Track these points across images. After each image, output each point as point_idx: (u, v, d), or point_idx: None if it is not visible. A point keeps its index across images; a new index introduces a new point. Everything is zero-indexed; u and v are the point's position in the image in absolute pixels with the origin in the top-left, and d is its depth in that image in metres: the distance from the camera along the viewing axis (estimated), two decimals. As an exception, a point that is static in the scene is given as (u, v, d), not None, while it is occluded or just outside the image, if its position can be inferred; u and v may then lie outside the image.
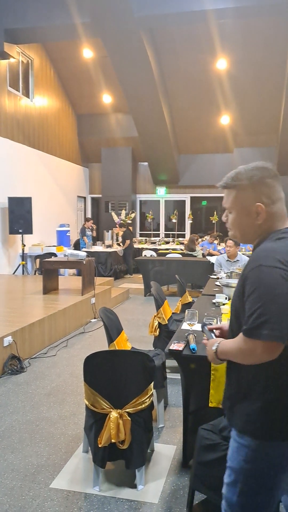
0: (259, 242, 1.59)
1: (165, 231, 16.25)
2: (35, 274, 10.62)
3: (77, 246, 12.39)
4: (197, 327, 3.07)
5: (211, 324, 1.95)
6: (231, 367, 1.60)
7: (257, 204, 1.56)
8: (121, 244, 12.38)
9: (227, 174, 1.64)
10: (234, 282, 4.39)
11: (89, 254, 9.31)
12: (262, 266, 1.41)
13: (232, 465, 1.58)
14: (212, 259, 8.83)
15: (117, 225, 13.18)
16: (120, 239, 12.58)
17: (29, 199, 10.17)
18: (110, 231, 13.54)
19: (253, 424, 1.50)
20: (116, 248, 12.07)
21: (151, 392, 2.71)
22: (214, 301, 4.36)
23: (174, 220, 15.18)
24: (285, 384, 1.46)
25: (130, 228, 12.95)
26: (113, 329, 3.40)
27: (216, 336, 1.85)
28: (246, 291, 1.45)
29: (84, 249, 11.17)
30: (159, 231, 16.25)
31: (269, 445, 1.48)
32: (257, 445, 1.49)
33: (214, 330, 1.87)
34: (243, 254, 6.80)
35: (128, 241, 12.15)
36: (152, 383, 2.72)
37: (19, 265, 10.25)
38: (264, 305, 1.37)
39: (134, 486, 2.70)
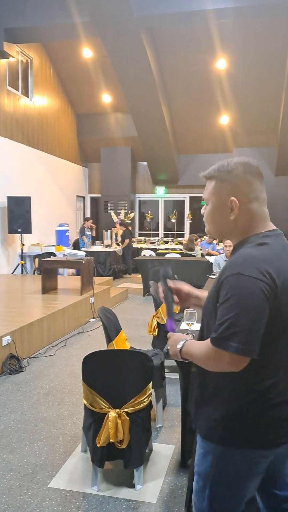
0: (239, 244, 1.52)
1: (164, 231, 16.25)
2: (34, 273, 10.62)
3: (76, 245, 12.39)
4: (197, 326, 3.07)
5: (173, 279, 1.84)
6: (197, 370, 1.56)
7: (231, 198, 1.49)
8: (120, 243, 12.38)
9: (213, 166, 1.58)
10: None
11: (88, 253, 9.31)
12: (240, 275, 1.34)
13: (199, 471, 1.56)
14: (211, 259, 8.84)
15: (117, 225, 13.18)
16: (119, 238, 12.58)
17: (28, 199, 10.16)
18: (109, 230, 13.55)
19: (216, 430, 1.47)
20: (115, 247, 12.07)
21: (149, 391, 2.71)
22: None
23: (173, 220, 15.19)
24: (250, 392, 1.43)
25: (130, 227, 12.96)
26: (112, 328, 3.40)
27: (172, 296, 1.80)
28: (221, 297, 1.39)
29: (83, 249, 11.17)
30: (158, 231, 16.26)
31: (234, 452, 1.46)
32: (221, 452, 1.47)
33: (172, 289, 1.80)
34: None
35: (127, 241, 12.15)
36: (151, 382, 2.72)
37: (18, 264, 10.25)
38: (237, 315, 1.31)
39: (132, 486, 2.70)
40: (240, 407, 1.44)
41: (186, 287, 1.83)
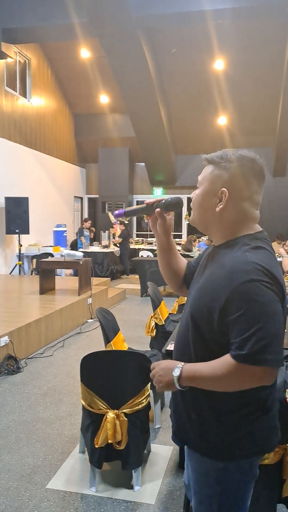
0: (226, 245, 1.42)
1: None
2: (31, 274, 10.60)
3: (74, 246, 12.38)
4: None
5: (175, 209, 1.63)
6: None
7: (222, 189, 1.39)
8: (118, 244, 12.37)
9: (218, 151, 1.47)
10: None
11: (86, 254, 9.30)
12: (253, 282, 1.25)
13: (202, 491, 1.47)
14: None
15: (115, 225, 13.17)
16: (117, 238, 12.58)
17: (26, 199, 10.15)
18: (106, 231, 13.55)
19: (219, 446, 1.40)
20: (112, 248, 12.07)
21: (148, 392, 2.71)
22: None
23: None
24: (252, 401, 1.38)
25: (127, 228, 12.97)
26: (109, 329, 3.40)
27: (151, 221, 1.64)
28: (233, 308, 1.27)
29: (80, 250, 11.16)
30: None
31: (238, 462, 1.42)
32: (226, 465, 1.42)
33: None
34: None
35: (120, 239, 12.19)
36: (149, 383, 2.72)
37: (16, 265, 10.23)
38: (263, 326, 1.23)
39: (130, 487, 2.69)
40: (243, 418, 1.38)
41: (167, 226, 1.67)
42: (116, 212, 1.66)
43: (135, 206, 1.69)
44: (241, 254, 1.33)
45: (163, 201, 1.60)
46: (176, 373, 1.38)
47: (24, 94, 11.62)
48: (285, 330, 3.15)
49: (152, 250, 12.81)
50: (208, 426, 1.42)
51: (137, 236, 15.98)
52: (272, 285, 1.27)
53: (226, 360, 1.30)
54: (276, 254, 11.19)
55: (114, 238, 12.79)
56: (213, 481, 1.44)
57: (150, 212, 1.64)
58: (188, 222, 15.42)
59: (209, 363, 1.35)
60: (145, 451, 2.97)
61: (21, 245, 10.23)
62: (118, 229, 12.60)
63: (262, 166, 1.42)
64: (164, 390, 1.46)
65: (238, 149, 1.44)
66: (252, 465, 1.45)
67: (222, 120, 13.38)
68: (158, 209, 1.60)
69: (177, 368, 1.39)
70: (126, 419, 2.57)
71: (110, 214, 14.37)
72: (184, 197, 15.65)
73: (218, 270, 1.38)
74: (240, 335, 1.26)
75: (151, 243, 13.99)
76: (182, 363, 1.40)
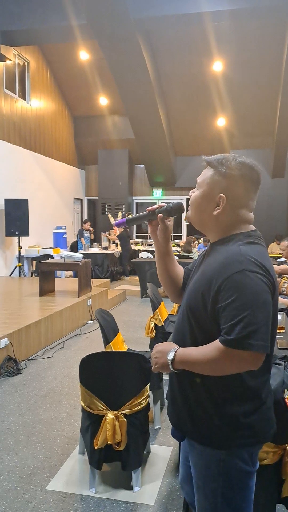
0: (221, 242, 1.49)
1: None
2: (31, 276, 10.60)
3: (74, 247, 12.38)
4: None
5: (175, 215, 1.68)
6: (185, 376, 1.51)
7: (221, 194, 1.45)
8: (117, 243, 12.38)
9: (219, 154, 1.52)
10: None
11: (86, 256, 9.31)
12: (246, 271, 1.32)
13: (206, 485, 1.49)
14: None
15: (114, 227, 13.16)
16: (116, 240, 12.58)
17: (25, 201, 10.15)
18: (106, 232, 13.55)
19: (219, 434, 1.44)
20: (112, 249, 12.07)
21: (147, 393, 2.71)
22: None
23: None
24: (246, 390, 1.43)
25: (127, 229, 12.97)
26: (109, 330, 3.40)
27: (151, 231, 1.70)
28: (224, 297, 1.33)
29: (80, 251, 11.18)
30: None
31: (238, 451, 1.45)
32: (226, 455, 1.44)
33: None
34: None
35: (118, 242, 12.22)
36: (149, 384, 2.72)
37: (16, 267, 10.23)
38: (252, 313, 1.29)
39: (130, 488, 2.70)
40: (241, 408, 1.42)
41: (168, 232, 1.71)
42: (117, 221, 1.71)
43: (136, 214, 1.74)
44: (235, 248, 1.41)
45: (165, 206, 1.66)
46: (170, 356, 1.47)
47: (23, 96, 11.64)
48: (283, 330, 3.12)
49: (152, 252, 12.82)
50: (207, 415, 1.46)
51: (137, 238, 15.99)
52: (263, 276, 1.34)
53: (215, 345, 1.36)
54: (278, 253, 11.20)
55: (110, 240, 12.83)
56: (215, 473, 1.47)
57: (152, 219, 1.69)
58: (187, 223, 15.43)
59: (200, 347, 1.42)
60: (145, 452, 2.97)
61: (21, 247, 10.23)
62: (117, 231, 12.61)
63: (259, 173, 1.48)
64: (159, 371, 1.54)
65: (238, 156, 1.48)
66: (252, 456, 1.48)
67: (221, 122, 13.40)
68: (160, 215, 1.65)
69: (172, 351, 1.48)
70: (125, 420, 2.58)
71: (110, 215, 14.38)
72: (183, 199, 15.69)
73: (212, 262, 1.45)
74: (229, 321, 1.32)
75: (151, 245, 13.99)
76: (177, 347, 1.49)
